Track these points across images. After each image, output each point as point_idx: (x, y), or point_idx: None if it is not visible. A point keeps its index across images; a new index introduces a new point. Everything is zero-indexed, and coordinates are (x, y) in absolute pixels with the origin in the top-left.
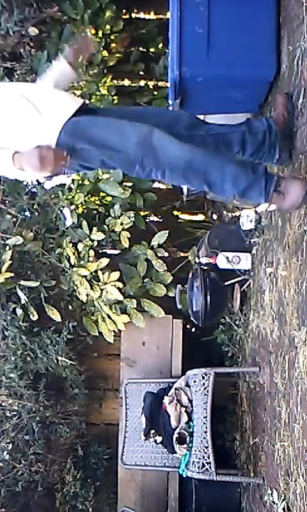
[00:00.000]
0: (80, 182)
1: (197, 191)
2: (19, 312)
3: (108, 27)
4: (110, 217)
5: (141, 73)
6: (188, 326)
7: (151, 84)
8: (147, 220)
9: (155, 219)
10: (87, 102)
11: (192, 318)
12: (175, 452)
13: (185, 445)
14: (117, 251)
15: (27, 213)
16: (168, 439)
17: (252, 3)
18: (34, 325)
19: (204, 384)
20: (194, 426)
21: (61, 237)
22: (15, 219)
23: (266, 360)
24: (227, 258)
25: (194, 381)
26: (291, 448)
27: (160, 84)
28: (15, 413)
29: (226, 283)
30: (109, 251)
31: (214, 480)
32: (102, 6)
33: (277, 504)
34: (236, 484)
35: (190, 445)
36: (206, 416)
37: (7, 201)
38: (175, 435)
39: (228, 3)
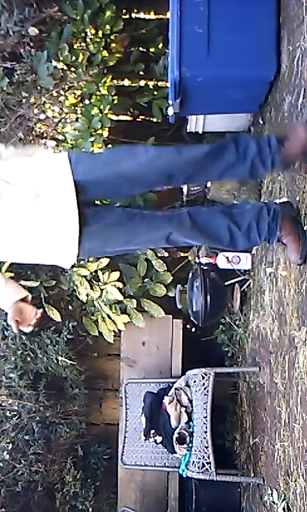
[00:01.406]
0: None
1: (197, 191)
2: None
3: (108, 27)
4: None
5: (141, 73)
6: (188, 326)
7: (151, 84)
8: None
9: None
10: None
11: (192, 318)
12: (175, 452)
13: (185, 445)
14: None
15: None
16: (168, 439)
17: (252, 3)
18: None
19: (204, 384)
20: (194, 426)
21: None
22: None
23: (266, 360)
24: (227, 258)
25: (194, 381)
26: (291, 448)
27: (160, 84)
28: (15, 413)
29: (226, 283)
30: None
31: (214, 480)
32: (102, 6)
33: (277, 504)
34: (236, 484)
35: (190, 445)
36: (206, 416)
37: None
38: (175, 435)
39: (228, 3)
